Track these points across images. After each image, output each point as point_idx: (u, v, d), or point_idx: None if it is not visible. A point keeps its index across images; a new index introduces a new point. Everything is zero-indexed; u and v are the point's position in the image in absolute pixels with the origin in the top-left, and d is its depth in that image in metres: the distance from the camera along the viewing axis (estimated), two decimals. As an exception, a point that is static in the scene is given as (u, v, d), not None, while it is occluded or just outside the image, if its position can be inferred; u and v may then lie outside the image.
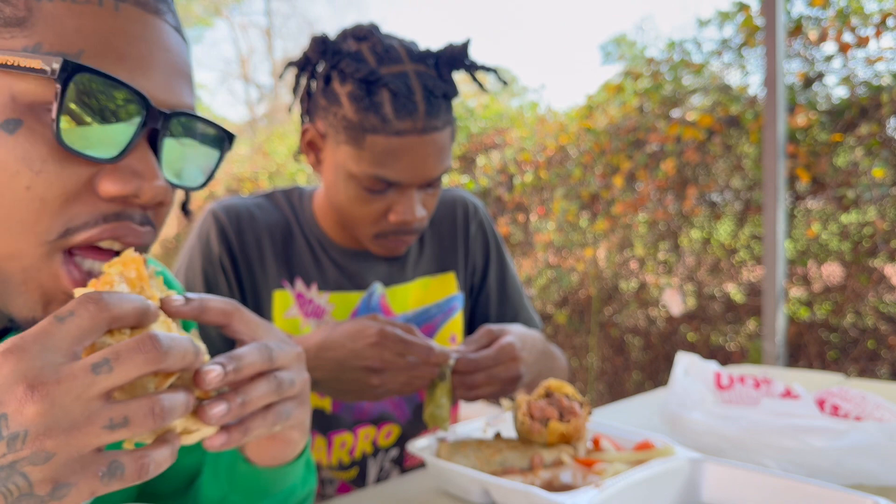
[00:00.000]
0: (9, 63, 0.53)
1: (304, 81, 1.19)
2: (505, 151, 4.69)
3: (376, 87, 1.06)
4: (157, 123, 0.57)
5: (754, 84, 3.64)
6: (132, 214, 0.59)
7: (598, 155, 4.06)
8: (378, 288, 1.28)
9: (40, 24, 0.54)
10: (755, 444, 1.04)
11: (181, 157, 0.62)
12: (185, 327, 0.64)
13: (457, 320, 1.37)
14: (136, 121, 0.56)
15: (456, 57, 1.14)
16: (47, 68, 0.52)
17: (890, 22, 2.96)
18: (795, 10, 3.25)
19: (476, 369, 1.08)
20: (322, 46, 1.13)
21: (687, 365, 1.25)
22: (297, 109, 1.22)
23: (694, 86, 3.78)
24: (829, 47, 3.20)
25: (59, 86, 0.52)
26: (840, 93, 3.19)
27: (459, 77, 1.18)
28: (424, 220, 1.16)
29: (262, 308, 1.21)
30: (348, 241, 1.27)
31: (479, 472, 0.94)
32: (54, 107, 0.53)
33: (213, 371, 0.53)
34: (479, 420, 1.16)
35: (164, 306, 0.56)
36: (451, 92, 1.12)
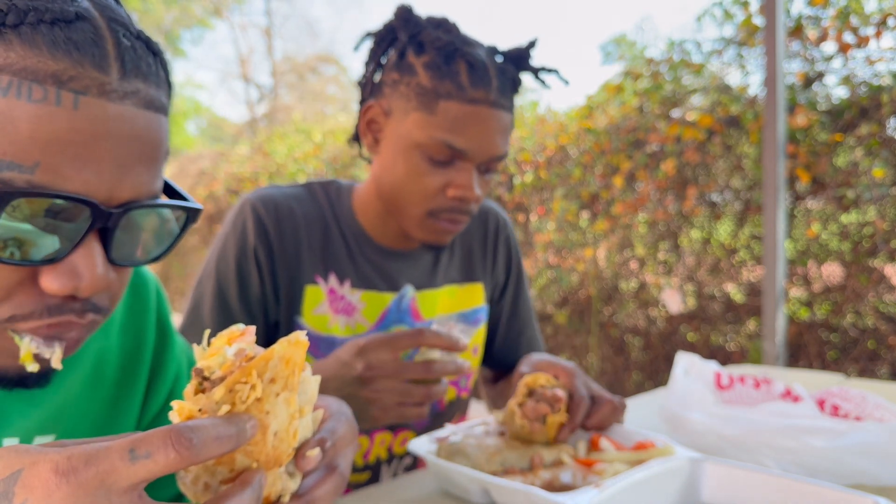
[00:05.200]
0: None
1: (379, 54, 1.20)
2: (505, 151, 4.68)
3: (454, 57, 1.11)
4: (107, 222, 0.56)
5: (754, 84, 3.64)
6: (73, 306, 0.58)
7: (598, 155, 4.06)
8: (409, 291, 1.26)
9: None
10: (755, 444, 1.04)
11: (135, 240, 0.61)
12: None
13: (481, 331, 1.36)
14: (82, 225, 0.55)
15: (521, 56, 1.20)
16: None
17: (890, 22, 2.96)
18: (795, 9, 3.25)
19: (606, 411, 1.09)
20: (407, 14, 1.16)
21: (687, 365, 1.25)
22: (365, 84, 1.22)
23: (694, 86, 3.77)
24: (829, 47, 3.20)
25: None
26: (840, 93, 3.19)
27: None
28: (479, 203, 1.17)
29: (294, 302, 1.18)
30: (386, 238, 1.25)
31: (479, 472, 0.93)
32: None
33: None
34: (479, 420, 1.16)
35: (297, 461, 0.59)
36: (517, 81, 1.18)
